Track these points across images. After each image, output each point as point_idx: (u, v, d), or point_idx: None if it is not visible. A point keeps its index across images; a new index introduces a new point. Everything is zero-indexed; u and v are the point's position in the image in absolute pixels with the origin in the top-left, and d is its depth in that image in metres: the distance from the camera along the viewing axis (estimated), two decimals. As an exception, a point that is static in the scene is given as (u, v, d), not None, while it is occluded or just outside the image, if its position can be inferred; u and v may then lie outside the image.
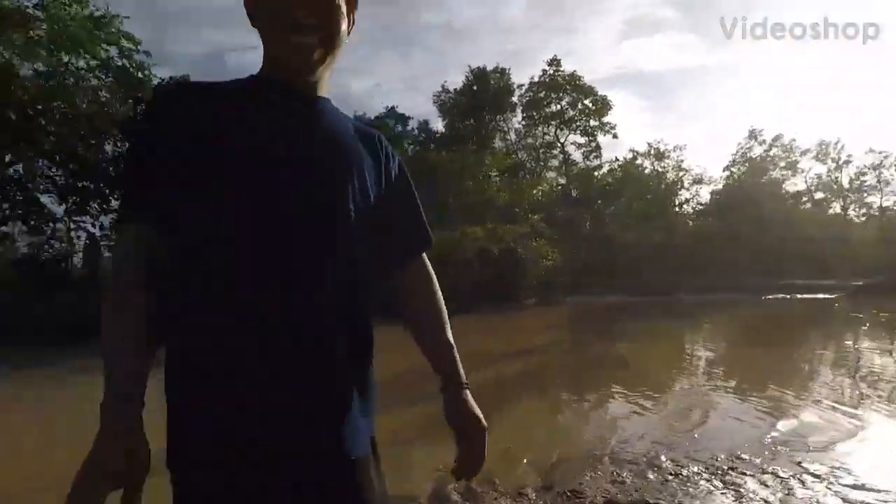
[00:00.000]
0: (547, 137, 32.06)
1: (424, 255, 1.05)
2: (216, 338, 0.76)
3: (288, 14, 0.80)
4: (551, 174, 31.87)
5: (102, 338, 0.74)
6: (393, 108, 26.76)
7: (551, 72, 30.36)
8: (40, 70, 15.28)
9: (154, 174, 0.78)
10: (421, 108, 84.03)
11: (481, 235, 17.16)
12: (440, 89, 29.13)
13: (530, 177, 28.26)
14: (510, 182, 22.57)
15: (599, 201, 30.47)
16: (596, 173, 32.25)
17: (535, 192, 24.58)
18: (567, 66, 34.43)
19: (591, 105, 30.94)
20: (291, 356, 0.78)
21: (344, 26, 0.86)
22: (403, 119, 27.09)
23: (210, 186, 0.77)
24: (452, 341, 1.00)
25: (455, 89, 28.81)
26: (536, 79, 30.64)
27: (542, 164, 32.04)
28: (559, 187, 30.76)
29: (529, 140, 32.04)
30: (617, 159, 33.05)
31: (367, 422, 0.88)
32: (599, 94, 30.84)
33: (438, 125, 28.84)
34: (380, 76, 61.81)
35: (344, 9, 0.85)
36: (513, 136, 31.68)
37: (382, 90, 57.82)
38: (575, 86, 30.32)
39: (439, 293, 1.04)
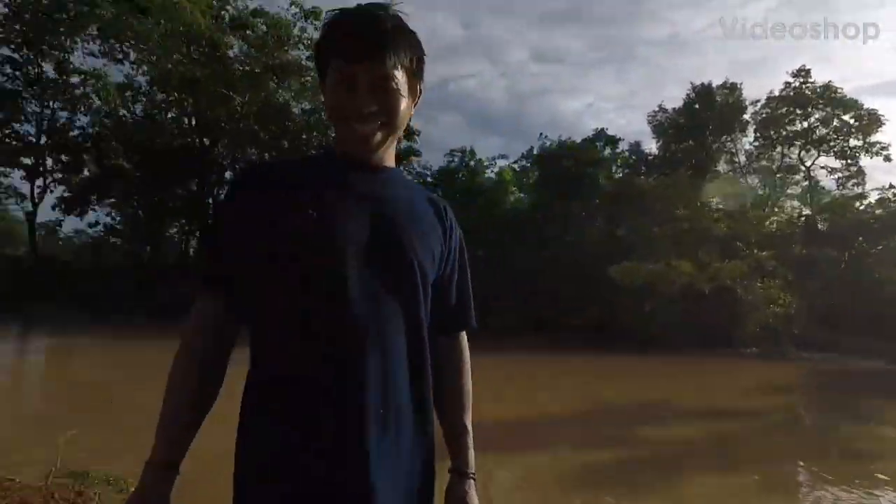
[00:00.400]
0: (787, 160, 27.11)
1: (464, 333, 1.07)
2: (290, 405, 0.81)
3: (351, 105, 0.88)
4: (792, 203, 26.74)
5: (165, 397, 0.86)
6: (602, 129, 25.47)
7: (797, 84, 25.55)
8: (305, 108, 19.33)
9: (228, 249, 0.88)
10: (634, 126, 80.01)
11: (689, 271, 15.28)
12: (656, 108, 27.02)
13: (763, 205, 24.18)
14: (734, 211, 19.63)
15: (860, 238, 24.38)
16: (857, 204, 25.98)
17: (767, 223, 20.95)
18: (819, 76, 28.67)
19: (851, 121, 25.09)
20: (364, 424, 0.80)
21: (404, 106, 0.91)
22: (613, 141, 25.66)
23: (283, 256, 0.84)
24: (470, 427, 1.02)
25: (673, 108, 26.42)
26: (776, 92, 26.14)
27: (778, 191, 27.14)
28: (801, 219, 25.62)
29: (764, 163, 27.50)
30: (892, 186, 26.11)
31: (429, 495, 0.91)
32: (866, 107, 24.78)
33: (652, 146, 26.75)
34: (592, 95, 60.65)
35: (405, 89, 0.91)
36: (742, 158, 27.63)
37: (593, 110, 56.55)
38: (829, 99, 24.97)
39: (469, 374, 1.06)
